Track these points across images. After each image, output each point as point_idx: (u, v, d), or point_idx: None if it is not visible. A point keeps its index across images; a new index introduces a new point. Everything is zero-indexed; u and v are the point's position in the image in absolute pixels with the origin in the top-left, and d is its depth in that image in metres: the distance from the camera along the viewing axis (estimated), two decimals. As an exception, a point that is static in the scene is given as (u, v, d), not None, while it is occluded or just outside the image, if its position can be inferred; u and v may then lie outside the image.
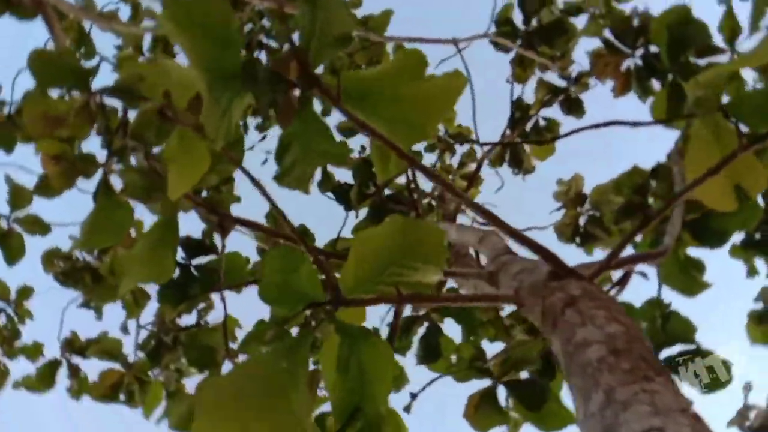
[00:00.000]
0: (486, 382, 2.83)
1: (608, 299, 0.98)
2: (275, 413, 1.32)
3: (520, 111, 4.02)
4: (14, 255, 3.72)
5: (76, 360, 4.07)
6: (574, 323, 0.92)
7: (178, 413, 2.08)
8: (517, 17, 4.37)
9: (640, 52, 3.95)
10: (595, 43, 4.10)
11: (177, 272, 3.20)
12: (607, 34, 4.10)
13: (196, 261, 3.22)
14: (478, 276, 1.66)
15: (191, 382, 4.50)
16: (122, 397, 4.00)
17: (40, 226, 3.80)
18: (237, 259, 3.18)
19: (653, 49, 3.76)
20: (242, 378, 1.35)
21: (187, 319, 4.62)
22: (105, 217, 2.13)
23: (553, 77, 4.47)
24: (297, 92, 1.56)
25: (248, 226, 1.82)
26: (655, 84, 3.80)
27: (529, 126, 4.12)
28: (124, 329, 3.87)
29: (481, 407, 2.83)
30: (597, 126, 2.61)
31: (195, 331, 2.59)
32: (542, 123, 4.14)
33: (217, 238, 3.28)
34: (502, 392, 2.78)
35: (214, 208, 1.81)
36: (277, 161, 1.49)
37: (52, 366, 4.03)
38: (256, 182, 1.55)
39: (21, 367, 4.26)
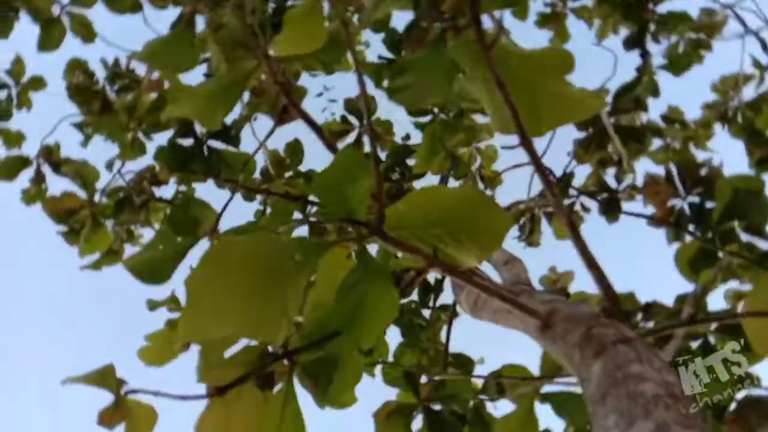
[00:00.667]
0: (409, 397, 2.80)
1: (659, 356, 0.95)
2: (267, 304, 1.27)
3: (563, 184, 4.00)
4: (57, 43, 3.63)
5: (47, 170, 3.96)
6: (629, 358, 0.89)
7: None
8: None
9: (692, 199, 3.95)
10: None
11: (190, 140, 3.14)
12: (672, 167, 4.10)
13: (212, 142, 3.15)
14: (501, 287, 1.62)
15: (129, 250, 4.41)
16: (63, 227, 3.90)
17: (87, 31, 3.71)
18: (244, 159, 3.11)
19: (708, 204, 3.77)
20: (250, 249, 1.29)
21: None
22: (176, 45, 2.07)
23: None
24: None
25: (312, 125, 1.76)
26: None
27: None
28: (109, 166, 3.77)
29: (393, 419, 2.78)
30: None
31: (190, 197, 2.51)
32: (578, 207, 4.12)
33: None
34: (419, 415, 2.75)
35: (288, 90, 1.75)
36: (392, 80, 1.45)
37: (23, 161, 3.92)
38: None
39: (-5, 151, 4.12)
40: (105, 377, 1.83)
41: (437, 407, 2.74)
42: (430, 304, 4.04)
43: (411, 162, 3.46)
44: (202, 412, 1.58)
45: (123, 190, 3.98)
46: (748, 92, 4.87)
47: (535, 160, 1.21)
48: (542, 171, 1.21)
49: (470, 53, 1.47)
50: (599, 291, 1.13)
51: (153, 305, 3.42)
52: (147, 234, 4.34)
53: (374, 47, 4.47)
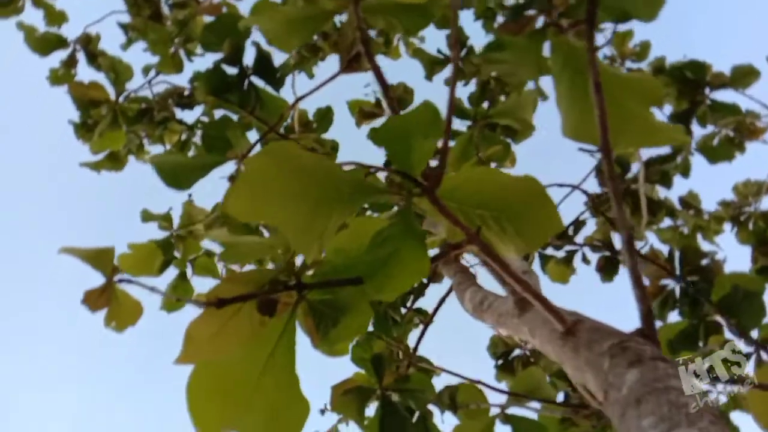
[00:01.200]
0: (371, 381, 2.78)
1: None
2: (311, 217, 1.25)
3: (575, 228, 4.03)
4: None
5: (81, 58, 3.92)
6: (669, 373, 0.88)
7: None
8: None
9: (685, 286, 3.98)
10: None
11: (234, 70, 3.10)
12: (676, 249, 4.13)
13: (255, 78, 3.12)
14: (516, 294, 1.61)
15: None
16: (77, 119, 3.86)
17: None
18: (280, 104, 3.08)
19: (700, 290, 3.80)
20: (312, 163, 1.27)
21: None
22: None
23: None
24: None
25: (381, 80, 1.74)
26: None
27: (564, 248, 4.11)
28: (146, 71, 3.73)
29: (349, 396, 2.76)
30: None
31: (229, 118, 2.48)
32: (581, 254, 4.14)
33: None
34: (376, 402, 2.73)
35: (368, 39, 1.74)
36: (488, 51, 1.44)
37: (60, 41, 3.87)
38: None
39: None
40: (101, 258, 1.80)
41: (395, 398, 2.73)
42: (408, 303, 4.05)
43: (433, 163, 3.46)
44: (194, 319, 1.56)
45: (148, 101, 3.95)
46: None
47: (610, 171, 1.20)
48: (615, 185, 1.20)
49: (565, 52, 1.46)
50: (640, 311, 1.12)
51: (147, 216, 3.39)
52: (155, 152, 4.31)
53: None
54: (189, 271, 3.96)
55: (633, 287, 1.11)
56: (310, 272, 1.50)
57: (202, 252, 3.87)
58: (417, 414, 2.90)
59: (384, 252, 1.33)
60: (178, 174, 1.98)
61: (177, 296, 3.50)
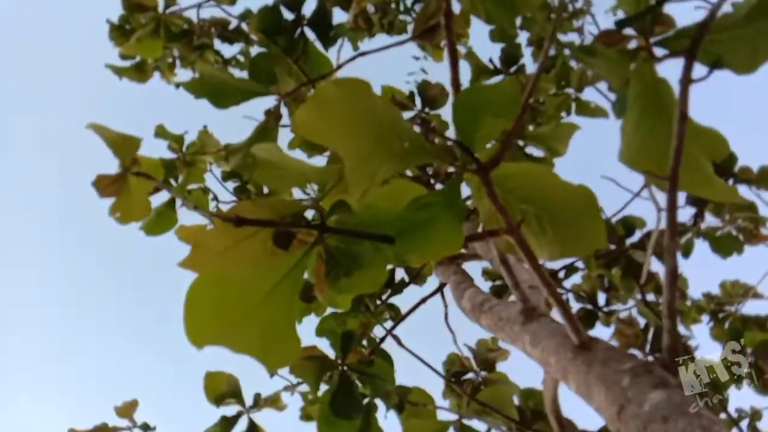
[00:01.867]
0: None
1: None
2: (368, 156, 1.22)
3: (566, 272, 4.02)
4: None
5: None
6: (698, 403, 0.86)
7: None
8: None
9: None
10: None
11: (291, 15, 3.06)
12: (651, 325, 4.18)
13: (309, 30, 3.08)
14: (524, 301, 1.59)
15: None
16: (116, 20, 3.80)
17: None
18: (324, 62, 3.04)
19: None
20: (377, 105, 1.24)
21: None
22: None
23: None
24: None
25: (453, 56, 1.72)
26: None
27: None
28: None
29: (307, 365, 2.73)
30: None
31: (279, 53, 2.43)
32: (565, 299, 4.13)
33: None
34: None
35: (450, 12, 1.71)
36: (582, 56, 1.43)
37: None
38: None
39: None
40: (126, 146, 1.76)
41: (353, 378, 2.70)
42: (384, 296, 4.01)
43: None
44: (209, 229, 1.52)
45: (191, 24, 3.90)
46: (752, 306, 4.93)
47: (673, 202, 1.18)
48: (673, 214, 1.18)
49: (648, 79, 1.45)
50: (666, 344, 1.10)
51: (160, 132, 3.34)
52: (181, 76, 4.26)
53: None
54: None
55: (665, 318, 1.09)
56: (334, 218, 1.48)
57: (200, 185, 3.83)
58: (365, 402, 2.87)
59: (422, 216, 1.30)
60: (221, 91, 1.95)
61: (193, 205, 3.43)
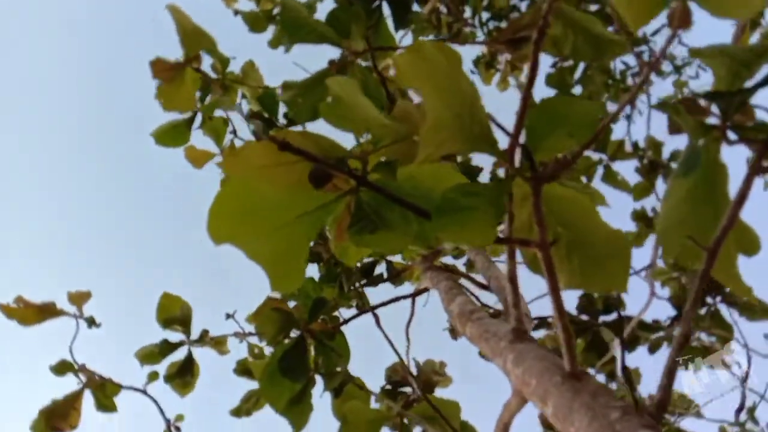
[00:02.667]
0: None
1: None
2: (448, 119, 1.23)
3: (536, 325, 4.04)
4: None
5: None
6: None
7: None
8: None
9: None
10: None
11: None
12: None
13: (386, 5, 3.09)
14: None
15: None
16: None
17: None
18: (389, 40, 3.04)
19: None
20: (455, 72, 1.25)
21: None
22: None
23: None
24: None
25: (533, 73, 1.72)
26: None
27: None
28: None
29: (273, 316, 2.73)
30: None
31: (361, 11, 2.42)
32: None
33: None
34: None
35: None
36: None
37: None
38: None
39: None
40: (197, 38, 1.77)
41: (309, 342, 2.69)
42: (358, 284, 4.02)
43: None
44: (252, 143, 1.52)
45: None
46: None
47: (698, 297, 1.20)
48: (699, 292, 1.20)
49: (712, 160, 1.47)
50: (659, 397, 1.11)
51: (210, 48, 3.32)
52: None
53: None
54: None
55: (664, 376, 1.11)
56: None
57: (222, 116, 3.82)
58: (309, 374, 2.87)
59: (464, 202, 1.31)
60: (299, 25, 1.95)
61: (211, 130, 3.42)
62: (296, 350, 2.62)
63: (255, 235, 1.31)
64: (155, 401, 3.09)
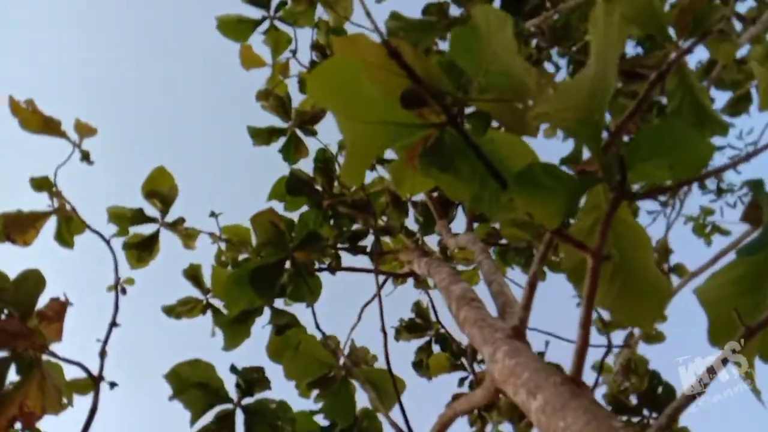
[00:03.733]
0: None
1: None
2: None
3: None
4: None
5: None
6: None
7: None
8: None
9: None
10: None
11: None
12: None
13: None
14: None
15: None
16: None
17: None
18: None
19: None
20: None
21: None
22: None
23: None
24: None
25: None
26: None
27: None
28: None
29: (268, 225, 2.69)
30: None
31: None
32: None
33: None
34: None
35: None
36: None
37: None
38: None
39: None
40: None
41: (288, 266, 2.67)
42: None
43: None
44: (372, 41, 1.50)
45: None
46: None
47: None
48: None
49: None
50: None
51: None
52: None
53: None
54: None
55: (664, 417, 1.11)
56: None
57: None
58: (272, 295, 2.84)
59: (545, 180, 1.30)
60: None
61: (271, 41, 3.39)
62: (274, 268, 2.60)
63: (345, 112, 1.30)
64: (114, 256, 3.03)
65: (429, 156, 1.39)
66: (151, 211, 3.83)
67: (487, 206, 1.42)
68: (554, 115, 1.25)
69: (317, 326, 2.81)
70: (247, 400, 2.95)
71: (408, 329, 4.65)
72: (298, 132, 4.36)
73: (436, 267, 2.45)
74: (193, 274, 4.48)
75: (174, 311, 4.55)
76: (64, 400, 2.95)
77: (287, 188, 3.25)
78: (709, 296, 1.47)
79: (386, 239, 4.05)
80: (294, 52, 4.06)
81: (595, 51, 1.22)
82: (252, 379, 2.90)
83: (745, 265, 1.50)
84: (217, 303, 4.49)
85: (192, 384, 2.75)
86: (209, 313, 4.53)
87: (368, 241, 4.00)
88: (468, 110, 1.48)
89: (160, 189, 3.73)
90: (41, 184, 3.09)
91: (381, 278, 4.47)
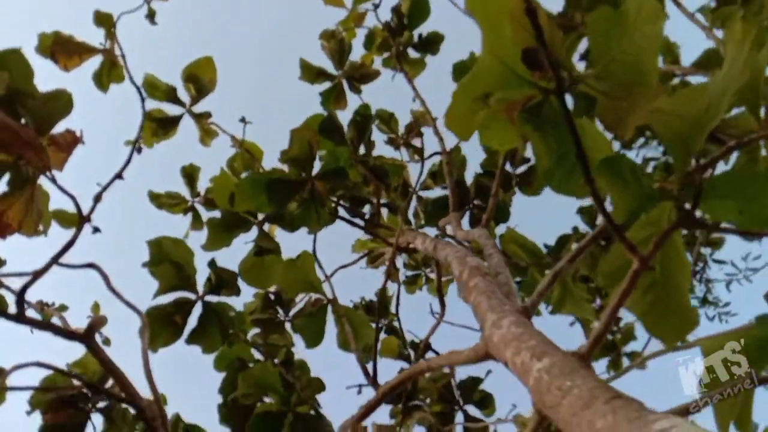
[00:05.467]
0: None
1: None
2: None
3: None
4: None
5: None
6: None
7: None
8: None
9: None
10: None
11: None
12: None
13: None
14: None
15: None
16: None
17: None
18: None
19: None
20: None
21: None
22: None
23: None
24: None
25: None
26: None
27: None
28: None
29: (304, 143, 2.72)
30: None
31: None
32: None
33: None
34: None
35: None
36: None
37: None
38: None
39: None
40: None
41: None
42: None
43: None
44: None
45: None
46: None
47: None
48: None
49: None
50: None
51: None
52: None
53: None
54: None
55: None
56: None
57: None
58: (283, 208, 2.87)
59: (625, 173, 1.35)
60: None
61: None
62: (294, 184, 2.63)
63: (486, 35, 1.34)
64: (145, 114, 3.04)
65: (528, 113, 1.44)
66: (184, 96, 3.85)
67: (556, 183, 1.47)
68: (661, 119, 1.30)
69: (315, 254, 2.83)
70: (211, 298, 2.97)
71: (365, 309, 4.69)
72: (345, 83, 4.40)
73: (444, 244, 2.48)
74: (190, 173, 4.49)
75: (158, 200, 4.54)
76: (41, 227, 2.95)
77: (320, 127, 3.27)
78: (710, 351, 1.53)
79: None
80: (376, 6, 4.09)
81: (723, 69, 1.27)
82: (224, 279, 2.92)
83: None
84: (200, 210, 4.51)
85: (169, 260, 2.76)
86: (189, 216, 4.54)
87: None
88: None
89: (201, 77, 3.73)
90: (103, 19, 3.09)
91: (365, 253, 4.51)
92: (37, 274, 2.50)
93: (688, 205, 1.36)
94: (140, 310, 2.41)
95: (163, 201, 4.53)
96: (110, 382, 3.27)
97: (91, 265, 2.55)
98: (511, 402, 3.66)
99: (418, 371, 1.85)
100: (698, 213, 1.40)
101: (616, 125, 1.47)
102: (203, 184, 4.45)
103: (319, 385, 2.77)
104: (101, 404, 3.36)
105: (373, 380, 2.04)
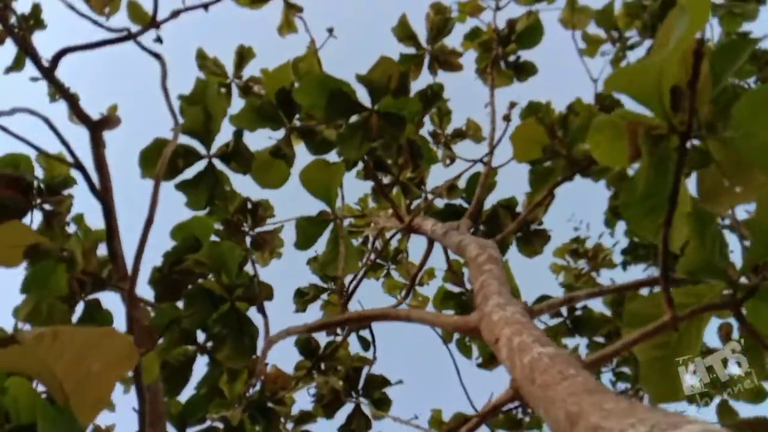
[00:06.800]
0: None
1: None
2: None
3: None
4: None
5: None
6: None
7: None
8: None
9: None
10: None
11: None
12: None
13: None
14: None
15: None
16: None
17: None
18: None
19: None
20: None
21: None
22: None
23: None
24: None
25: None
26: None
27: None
28: None
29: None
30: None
31: None
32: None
33: None
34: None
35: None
36: None
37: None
38: None
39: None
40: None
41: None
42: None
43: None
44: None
45: None
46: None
47: None
48: None
49: None
50: None
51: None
52: None
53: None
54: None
55: None
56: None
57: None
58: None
59: (701, 231, 1.37)
60: None
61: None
62: (356, 105, 2.62)
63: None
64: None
65: (645, 140, 1.45)
66: None
67: (632, 215, 1.49)
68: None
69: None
70: (217, 163, 2.95)
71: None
72: (427, 59, 4.39)
73: (459, 233, 2.49)
74: (242, 55, 4.45)
75: (204, 61, 4.50)
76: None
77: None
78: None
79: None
80: (498, 8, 4.10)
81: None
82: (240, 153, 2.89)
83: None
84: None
85: (204, 105, 2.74)
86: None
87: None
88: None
89: None
90: None
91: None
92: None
93: (739, 295, 1.39)
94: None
95: (208, 64, 4.49)
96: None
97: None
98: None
99: (394, 315, 1.84)
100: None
101: (710, 197, 1.49)
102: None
103: (268, 292, 2.74)
104: (47, 206, 3.30)
105: (344, 303, 2.02)
